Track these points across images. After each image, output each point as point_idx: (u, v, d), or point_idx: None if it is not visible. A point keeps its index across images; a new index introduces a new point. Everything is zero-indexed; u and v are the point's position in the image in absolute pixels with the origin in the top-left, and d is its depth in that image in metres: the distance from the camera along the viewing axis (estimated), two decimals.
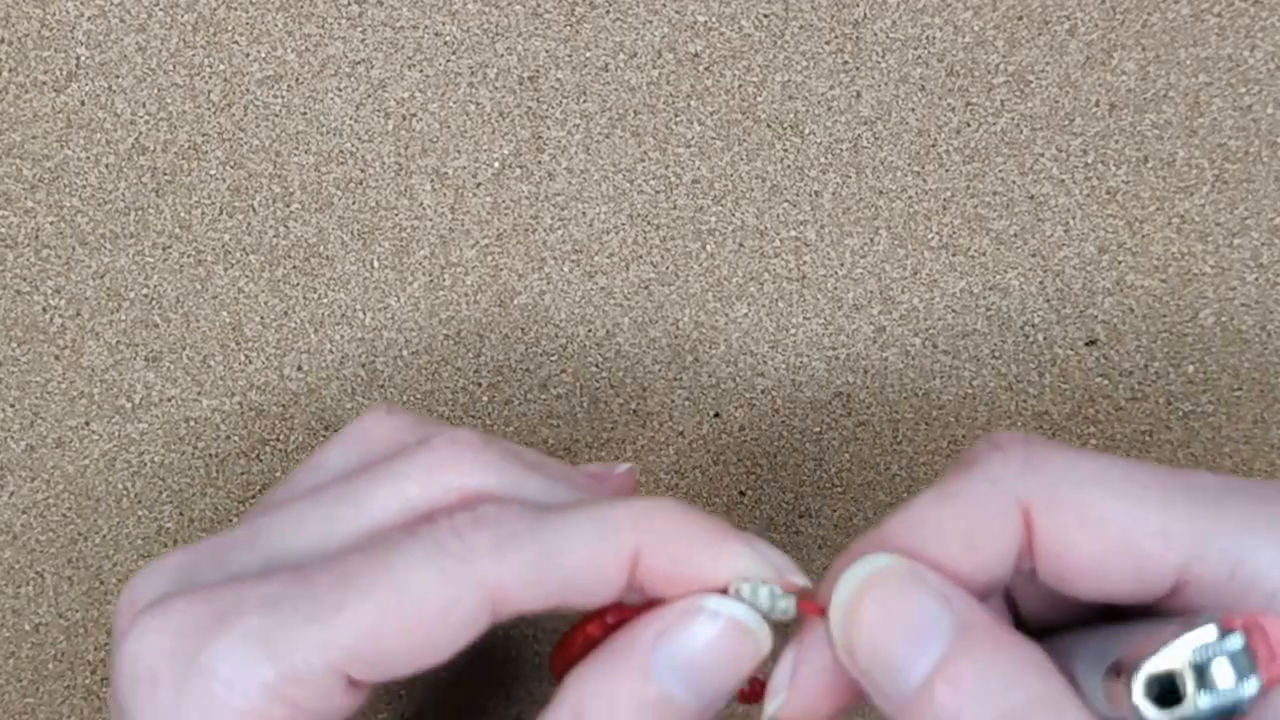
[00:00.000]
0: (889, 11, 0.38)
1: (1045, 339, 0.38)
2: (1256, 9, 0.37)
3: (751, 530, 0.38)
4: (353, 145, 0.38)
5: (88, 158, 0.38)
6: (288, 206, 0.38)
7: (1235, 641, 0.23)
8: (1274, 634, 0.23)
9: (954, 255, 0.38)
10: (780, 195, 0.38)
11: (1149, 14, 0.38)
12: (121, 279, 0.38)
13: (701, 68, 0.38)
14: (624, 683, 0.26)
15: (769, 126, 0.38)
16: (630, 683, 0.26)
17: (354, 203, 0.38)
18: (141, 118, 0.38)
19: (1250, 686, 0.23)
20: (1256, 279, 0.38)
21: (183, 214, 0.38)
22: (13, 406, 0.39)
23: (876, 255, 0.38)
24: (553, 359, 0.38)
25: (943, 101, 0.38)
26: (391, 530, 0.27)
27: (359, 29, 0.38)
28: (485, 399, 0.38)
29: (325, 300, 0.38)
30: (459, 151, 0.38)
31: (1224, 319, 0.38)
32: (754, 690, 0.28)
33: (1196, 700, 0.23)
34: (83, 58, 0.38)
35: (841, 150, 0.38)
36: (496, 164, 0.38)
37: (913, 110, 0.38)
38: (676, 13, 0.38)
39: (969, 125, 0.38)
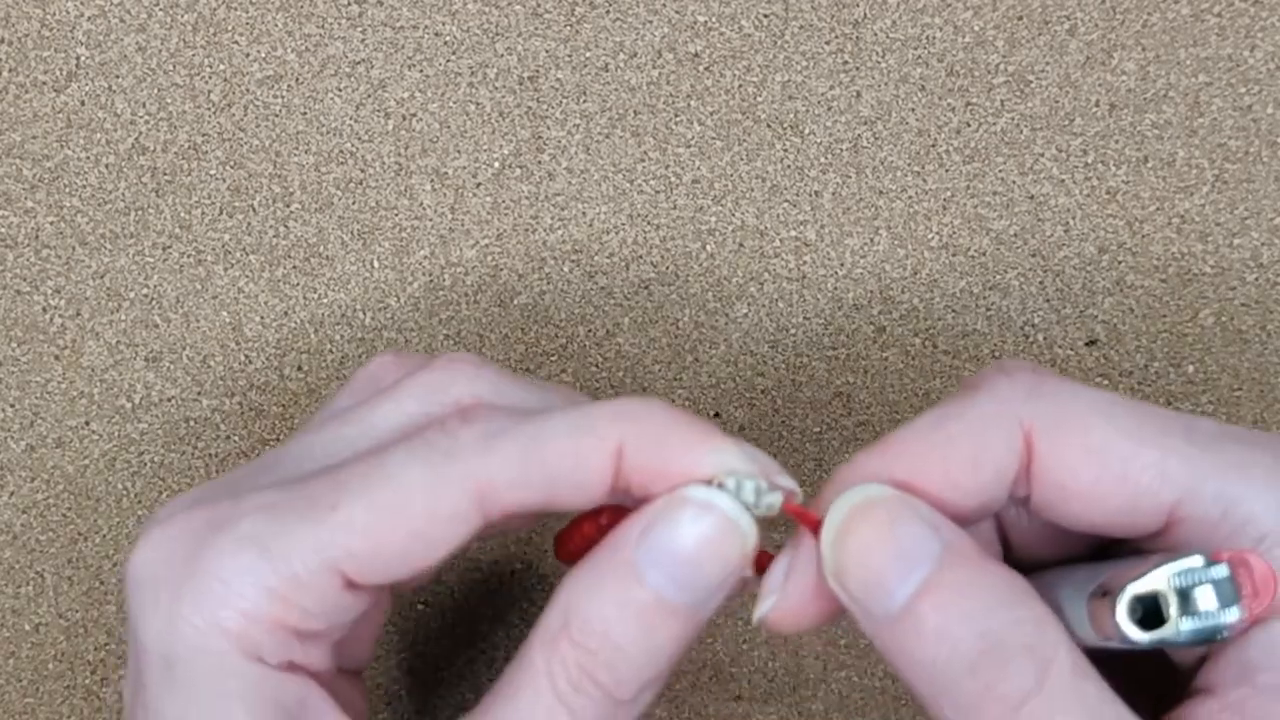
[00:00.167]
0: (889, 11, 0.38)
1: (1045, 339, 0.38)
2: (1256, 9, 0.37)
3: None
4: (353, 145, 0.38)
5: (88, 158, 0.38)
6: (288, 206, 0.38)
7: (1221, 570, 0.23)
8: (1259, 572, 0.23)
9: (954, 255, 0.38)
10: (780, 195, 0.38)
11: (1149, 14, 0.38)
12: (121, 279, 0.38)
13: (701, 68, 0.38)
14: (610, 580, 0.26)
15: (769, 126, 0.38)
16: (616, 579, 0.26)
17: (354, 203, 0.38)
18: (141, 118, 0.38)
19: (1231, 615, 0.23)
20: (1256, 279, 0.38)
21: (183, 214, 0.38)
22: (13, 406, 0.39)
23: (876, 255, 0.38)
24: (553, 359, 0.38)
25: (943, 101, 0.38)
26: (391, 442, 0.28)
27: (359, 29, 0.38)
28: None
29: (325, 300, 0.38)
30: (459, 151, 0.38)
31: (1224, 319, 0.38)
32: (760, 563, 0.27)
33: (1179, 623, 0.23)
34: (83, 58, 0.38)
35: (841, 150, 0.38)
36: (496, 164, 0.38)
37: (913, 110, 0.38)
38: (676, 13, 0.38)
39: (969, 125, 0.38)
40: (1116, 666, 0.26)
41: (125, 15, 0.38)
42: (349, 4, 0.38)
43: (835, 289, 0.38)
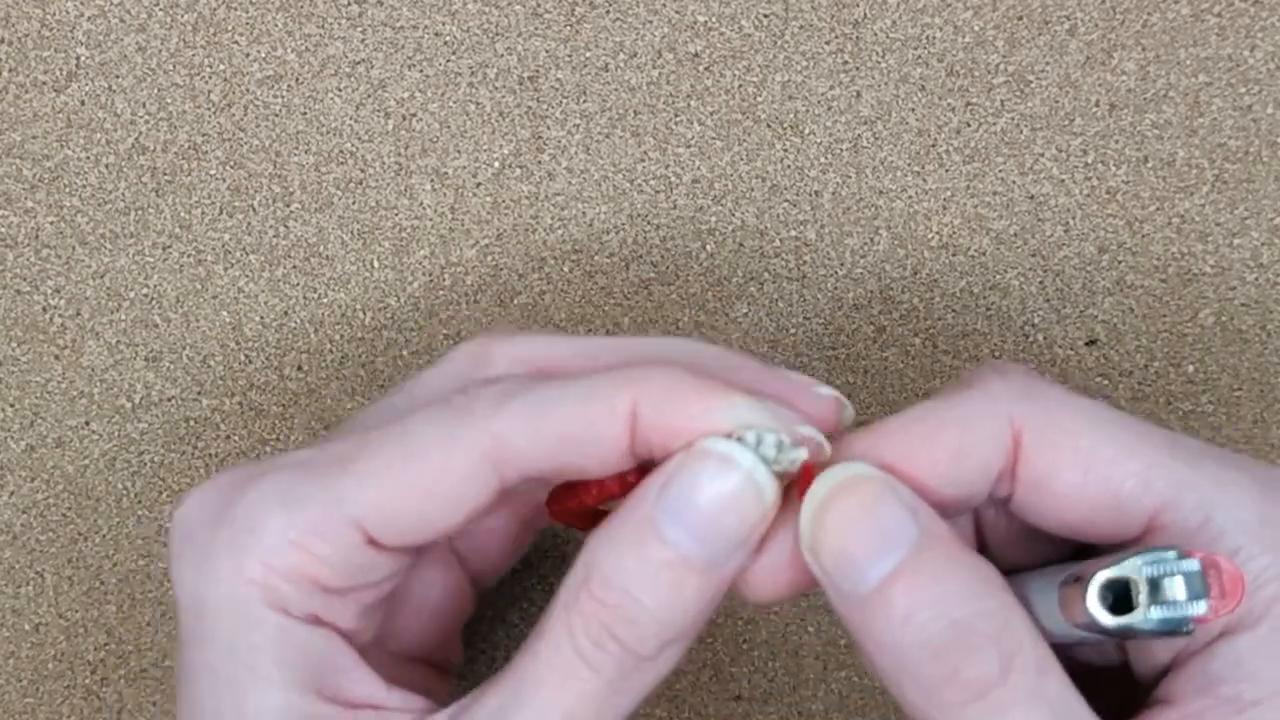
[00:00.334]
0: (889, 11, 0.38)
1: (1045, 339, 0.38)
2: (1256, 9, 0.37)
3: None
4: (353, 145, 0.38)
5: (88, 158, 0.38)
6: (288, 206, 0.38)
7: (1192, 564, 0.24)
8: (1229, 574, 0.24)
9: (954, 255, 0.38)
10: (780, 195, 0.38)
11: (1149, 14, 0.38)
12: (121, 279, 0.38)
13: (701, 68, 0.38)
14: (630, 535, 0.26)
15: (769, 126, 0.38)
16: (636, 535, 0.26)
17: (354, 203, 0.38)
18: (141, 118, 0.38)
19: (1198, 608, 0.24)
20: (1256, 279, 0.38)
21: (183, 214, 0.38)
22: (13, 406, 0.39)
23: (876, 255, 0.38)
24: None
25: (943, 101, 0.38)
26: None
27: (359, 29, 0.38)
28: None
29: (325, 300, 0.38)
30: (459, 151, 0.38)
31: (1224, 319, 0.38)
32: (805, 478, 0.27)
33: (1147, 610, 0.24)
34: (83, 58, 0.38)
35: (841, 150, 0.38)
36: (496, 164, 0.38)
37: (913, 110, 0.38)
38: (676, 13, 0.38)
39: (969, 125, 0.38)
40: (1076, 676, 0.26)
41: (125, 15, 0.38)
42: (349, 4, 0.38)
43: (835, 289, 0.38)
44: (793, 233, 0.38)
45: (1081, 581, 0.24)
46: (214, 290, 0.38)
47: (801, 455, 0.26)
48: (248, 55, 0.38)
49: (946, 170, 0.38)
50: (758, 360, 0.29)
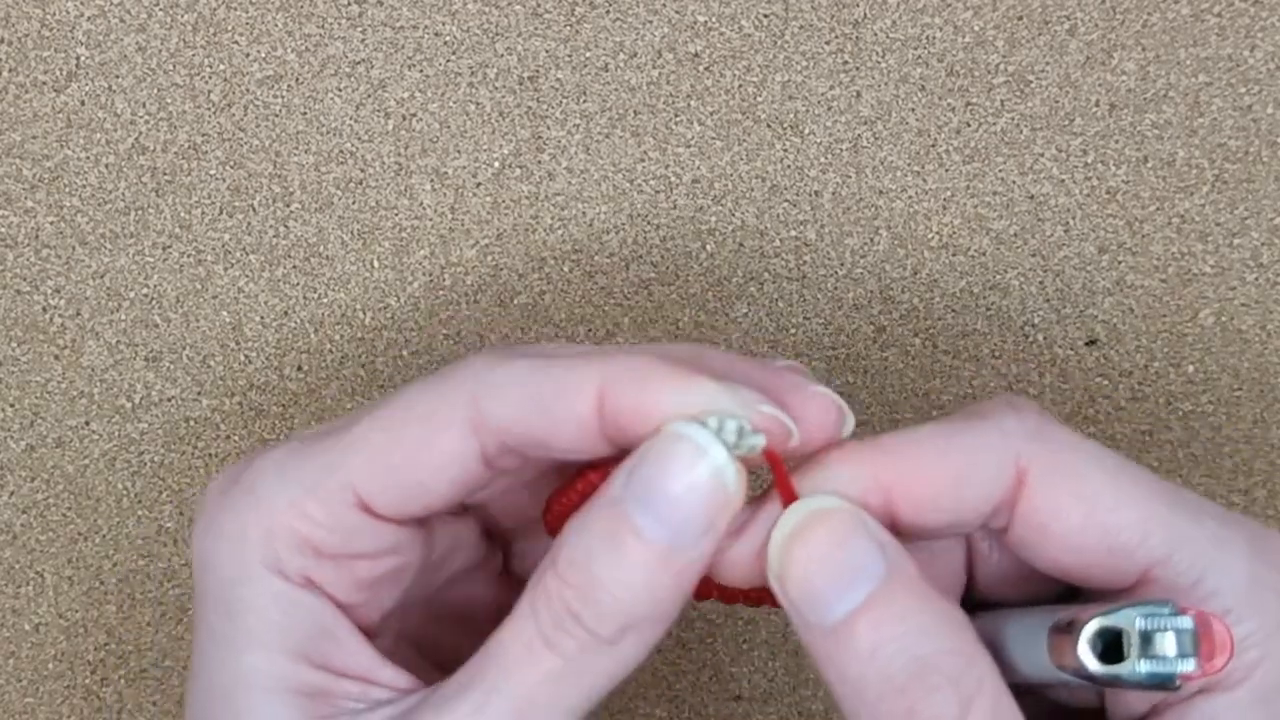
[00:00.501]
0: (889, 11, 0.38)
1: (1045, 339, 0.38)
2: (1256, 9, 0.37)
3: None
4: (353, 145, 0.38)
5: (88, 158, 0.38)
6: (288, 206, 0.38)
7: (1186, 621, 0.24)
8: (1219, 635, 0.24)
9: (954, 255, 0.38)
10: (780, 195, 0.38)
11: (1149, 14, 0.38)
12: (121, 279, 0.38)
13: (701, 68, 0.38)
14: (596, 517, 0.26)
15: (769, 126, 0.38)
16: (601, 516, 0.26)
17: (354, 203, 0.38)
18: (141, 118, 0.38)
19: (1187, 665, 0.24)
20: (1256, 279, 0.38)
21: (183, 214, 0.38)
22: (13, 406, 0.39)
23: (876, 255, 0.38)
24: None
25: (943, 101, 0.38)
26: None
27: (359, 29, 0.38)
28: None
29: (325, 300, 0.38)
30: (459, 151, 0.38)
31: (1224, 319, 0.38)
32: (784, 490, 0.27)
33: (1137, 662, 0.24)
34: (83, 58, 0.38)
35: (841, 150, 0.38)
36: (496, 164, 0.38)
37: (913, 110, 0.38)
38: (676, 13, 0.38)
39: (969, 125, 0.38)
40: (1051, 715, 0.26)
41: (125, 15, 0.38)
42: (349, 4, 0.38)
43: (835, 289, 0.38)
44: (793, 233, 0.38)
45: (1074, 626, 0.25)
46: (214, 290, 0.38)
47: (760, 442, 0.26)
48: (248, 55, 0.38)
49: (946, 170, 0.38)
50: (755, 361, 0.29)
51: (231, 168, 0.38)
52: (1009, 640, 0.27)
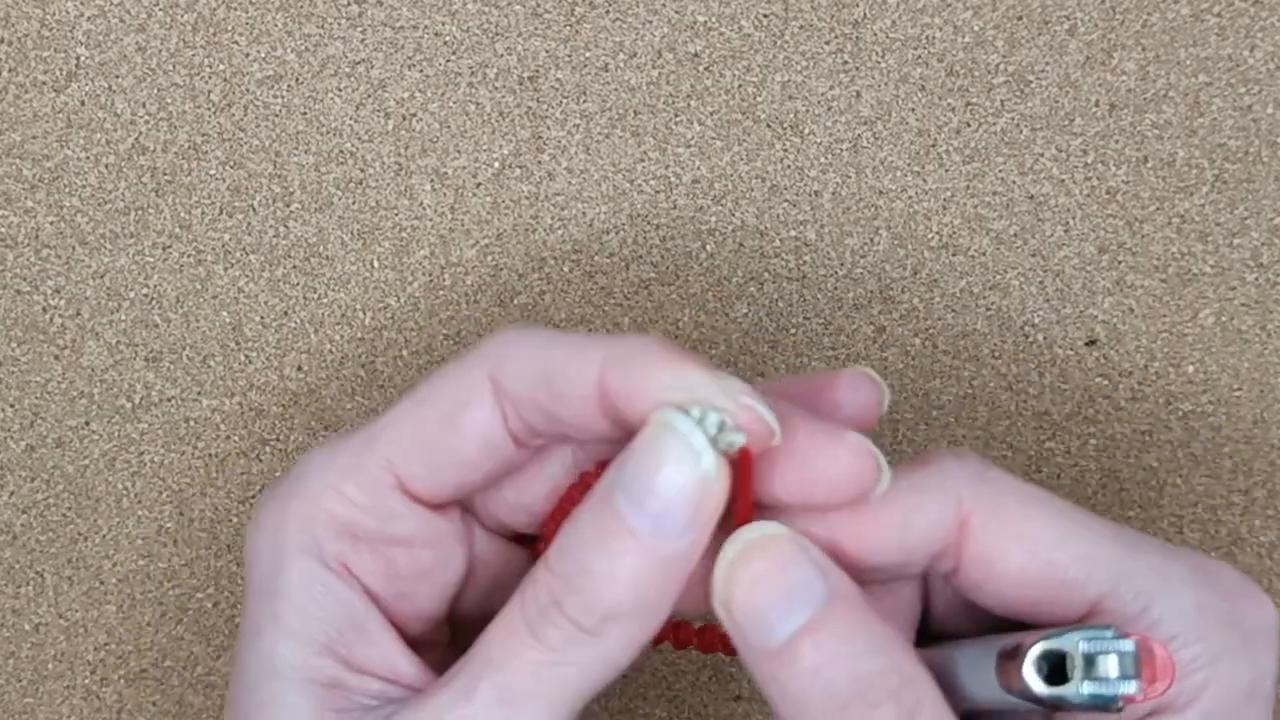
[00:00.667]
0: (889, 11, 0.38)
1: (1045, 339, 0.38)
2: (1256, 9, 0.37)
3: None
4: (353, 145, 0.38)
5: (88, 158, 0.38)
6: (288, 206, 0.38)
7: (1127, 645, 0.25)
8: (1161, 660, 0.25)
9: (954, 255, 0.38)
10: (780, 195, 0.38)
11: (1149, 14, 0.38)
12: (121, 279, 0.38)
13: (701, 68, 0.38)
14: (588, 508, 0.26)
15: (769, 126, 0.38)
16: (591, 507, 0.26)
17: (354, 203, 0.38)
18: (141, 118, 0.38)
19: (1128, 687, 0.25)
20: (1256, 279, 0.38)
21: (183, 214, 0.38)
22: (13, 406, 0.39)
23: (876, 255, 0.38)
24: None
25: (943, 101, 0.38)
26: None
27: (359, 29, 0.38)
28: None
29: (325, 300, 0.38)
30: (459, 151, 0.38)
31: (1224, 319, 0.38)
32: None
33: (1080, 684, 0.25)
34: (83, 58, 0.38)
35: (841, 150, 0.38)
36: (496, 164, 0.38)
37: (913, 110, 0.38)
38: (676, 13, 0.38)
39: (969, 125, 0.38)
40: None
41: (125, 15, 0.38)
42: (349, 4, 0.38)
43: (835, 289, 0.38)
44: (793, 233, 0.38)
45: (1020, 650, 0.25)
46: (214, 290, 0.38)
47: (739, 440, 0.26)
48: (248, 55, 0.38)
49: (946, 170, 0.38)
50: (821, 376, 0.30)
51: (231, 168, 0.38)
52: (960, 668, 0.28)
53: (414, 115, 0.38)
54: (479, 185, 0.38)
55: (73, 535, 0.39)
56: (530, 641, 0.26)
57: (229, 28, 0.38)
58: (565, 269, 0.38)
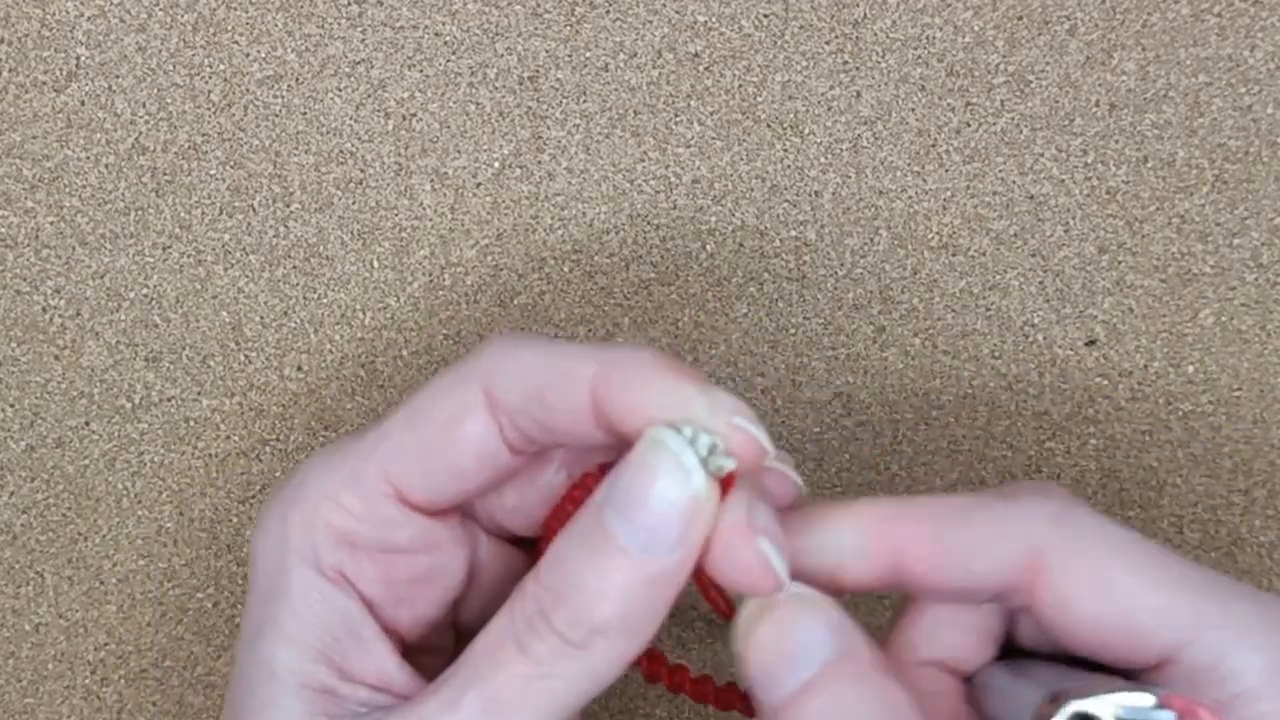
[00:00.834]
0: (889, 11, 0.38)
1: (1045, 339, 0.38)
2: (1256, 9, 0.37)
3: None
4: (353, 145, 0.38)
5: (88, 158, 0.38)
6: (288, 206, 0.38)
7: (1166, 716, 0.24)
8: None
9: (954, 255, 0.38)
10: (780, 195, 0.38)
11: (1149, 14, 0.38)
12: (121, 279, 0.38)
13: (701, 68, 0.38)
14: (580, 523, 0.27)
15: (769, 126, 0.38)
16: (582, 521, 0.27)
17: (354, 203, 0.38)
18: (141, 118, 0.38)
19: None
20: (1256, 279, 0.38)
21: (183, 214, 0.38)
22: (13, 406, 0.39)
23: (876, 255, 0.38)
24: None
25: (943, 101, 0.38)
26: None
27: (359, 29, 0.38)
28: None
29: (325, 300, 0.38)
30: (459, 151, 0.38)
31: (1224, 319, 0.38)
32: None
33: None
34: (83, 58, 0.38)
35: (841, 150, 0.38)
36: (496, 164, 0.38)
37: (913, 110, 0.38)
38: (676, 13, 0.38)
39: (969, 125, 0.38)
40: None
41: (125, 15, 0.38)
42: (349, 4, 0.38)
43: (835, 289, 0.38)
44: (793, 233, 0.38)
45: (1058, 702, 0.25)
46: (214, 290, 0.38)
47: (728, 465, 0.26)
48: (248, 55, 0.38)
49: (946, 170, 0.38)
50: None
51: (231, 168, 0.38)
52: (1015, 697, 0.28)
53: (414, 115, 0.38)
54: (479, 185, 0.38)
55: (73, 535, 0.38)
56: (517, 654, 0.26)
57: (229, 28, 0.38)
58: (565, 269, 0.38)
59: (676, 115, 0.38)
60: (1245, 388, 0.38)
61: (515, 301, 0.38)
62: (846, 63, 0.38)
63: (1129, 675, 0.28)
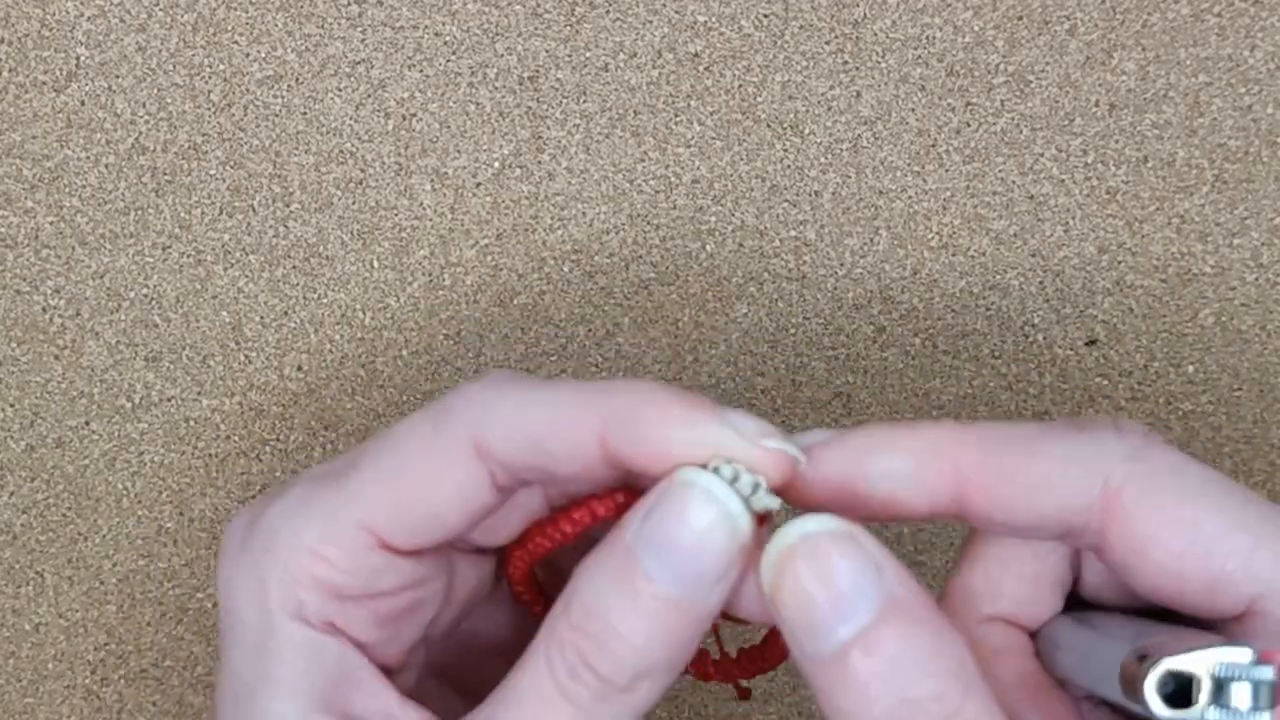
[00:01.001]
0: (889, 11, 0.38)
1: (1045, 339, 0.38)
2: (1256, 9, 0.37)
3: None
4: (353, 145, 0.38)
5: (88, 158, 0.38)
6: (288, 206, 0.38)
7: (1266, 672, 0.22)
8: None
9: (954, 255, 0.38)
10: (780, 195, 0.38)
11: (1149, 14, 0.38)
12: (121, 279, 0.38)
13: (701, 68, 0.38)
14: (609, 565, 0.26)
15: (769, 126, 0.38)
16: (614, 565, 0.26)
17: (354, 203, 0.38)
18: (141, 118, 0.38)
19: (1261, 718, 0.22)
20: (1256, 279, 0.38)
21: (183, 214, 0.38)
22: (13, 406, 0.39)
23: (876, 255, 0.38)
24: (553, 359, 0.38)
25: (943, 101, 0.38)
26: None
27: (359, 29, 0.38)
28: None
29: (325, 300, 0.38)
30: (459, 151, 0.38)
31: (1224, 319, 0.38)
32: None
33: (1205, 711, 0.23)
34: (83, 58, 0.38)
35: (841, 150, 0.38)
36: (496, 164, 0.38)
37: (913, 110, 0.38)
38: (676, 13, 0.38)
39: (969, 125, 0.38)
40: None
41: (125, 15, 0.38)
42: (349, 4, 0.38)
43: (835, 289, 0.38)
44: (793, 233, 0.38)
45: (1144, 663, 0.23)
46: (214, 290, 0.38)
47: (774, 504, 0.26)
48: (248, 55, 0.38)
49: (946, 170, 0.38)
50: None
51: (231, 168, 0.38)
52: (1092, 662, 0.26)
53: (414, 115, 0.38)
54: (479, 185, 0.38)
55: (73, 535, 0.38)
56: (560, 703, 0.26)
57: (229, 28, 0.38)
58: (565, 269, 0.38)
59: (676, 115, 0.38)
60: (1245, 388, 0.38)
61: (515, 301, 0.38)
62: (846, 63, 0.38)
63: (1207, 628, 0.26)
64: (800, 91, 0.38)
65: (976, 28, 0.38)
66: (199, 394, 0.38)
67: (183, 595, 0.39)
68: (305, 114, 0.38)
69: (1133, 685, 0.23)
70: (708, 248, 0.38)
